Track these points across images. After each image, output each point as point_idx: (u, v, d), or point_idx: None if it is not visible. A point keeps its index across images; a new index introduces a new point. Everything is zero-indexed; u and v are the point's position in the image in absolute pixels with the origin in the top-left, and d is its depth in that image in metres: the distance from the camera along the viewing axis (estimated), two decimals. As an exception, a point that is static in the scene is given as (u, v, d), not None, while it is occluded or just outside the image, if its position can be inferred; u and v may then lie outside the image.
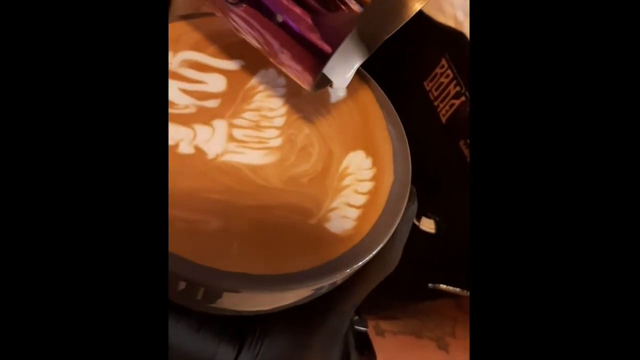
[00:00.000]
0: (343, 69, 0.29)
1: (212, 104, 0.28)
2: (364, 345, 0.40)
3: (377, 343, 0.41)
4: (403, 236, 0.30)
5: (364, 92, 0.31)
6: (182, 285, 0.23)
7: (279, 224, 0.25)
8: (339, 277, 0.25)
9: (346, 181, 0.28)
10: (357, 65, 0.29)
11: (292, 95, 0.29)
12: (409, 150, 0.29)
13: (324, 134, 0.29)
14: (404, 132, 0.30)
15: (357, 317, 0.41)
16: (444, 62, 0.38)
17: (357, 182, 0.28)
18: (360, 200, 0.27)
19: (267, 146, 0.27)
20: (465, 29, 0.36)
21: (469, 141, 0.38)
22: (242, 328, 0.30)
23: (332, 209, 0.26)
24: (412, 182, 0.43)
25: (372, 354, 0.40)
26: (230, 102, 0.28)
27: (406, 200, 0.28)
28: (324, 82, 0.29)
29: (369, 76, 0.32)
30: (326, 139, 0.29)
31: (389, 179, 0.28)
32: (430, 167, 0.42)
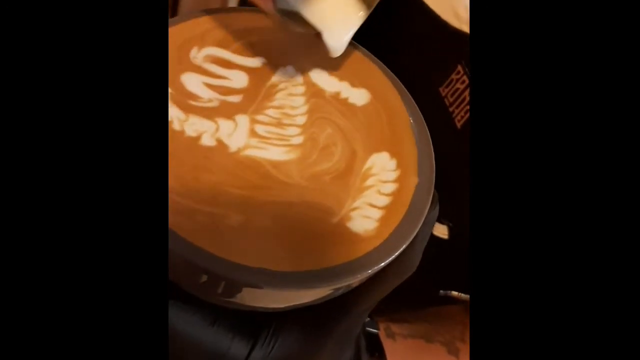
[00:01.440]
0: (340, 30, 0.29)
1: (234, 99, 0.28)
2: (375, 347, 0.40)
3: (388, 346, 0.40)
4: (423, 240, 0.30)
5: (391, 93, 0.31)
6: (204, 277, 0.23)
7: (301, 221, 0.25)
8: (359, 278, 0.25)
9: (369, 181, 0.27)
10: (355, 27, 0.29)
11: (313, 96, 0.29)
12: (433, 154, 0.29)
13: (347, 134, 0.29)
14: (429, 135, 0.30)
15: (368, 319, 0.41)
16: (460, 68, 0.38)
17: (381, 183, 0.27)
18: (383, 201, 0.27)
19: (289, 143, 0.27)
20: None
21: None
22: (257, 324, 0.30)
23: (354, 209, 0.26)
24: None
25: (382, 356, 0.39)
26: (253, 98, 0.28)
27: (429, 203, 0.27)
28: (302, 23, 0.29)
29: (396, 78, 0.32)
30: (349, 139, 0.28)
31: (413, 182, 0.28)
32: (445, 173, 0.42)
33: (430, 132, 0.41)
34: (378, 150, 0.28)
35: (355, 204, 0.26)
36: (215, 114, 0.27)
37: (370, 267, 0.25)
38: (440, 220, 0.44)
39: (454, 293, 0.48)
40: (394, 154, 0.28)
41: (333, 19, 0.28)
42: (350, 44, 0.32)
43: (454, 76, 0.38)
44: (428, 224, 0.30)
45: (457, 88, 0.39)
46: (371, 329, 0.39)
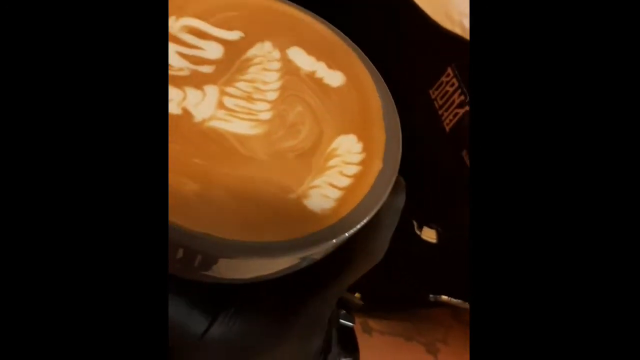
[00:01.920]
0: None
1: (206, 69, 0.28)
2: (348, 340, 0.39)
3: (363, 340, 0.40)
4: (389, 227, 0.30)
5: (366, 79, 0.31)
6: None
7: (258, 195, 0.25)
8: (309, 253, 0.25)
9: (332, 162, 0.27)
10: None
11: (287, 73, 0.29)
12: (401, 142, 0.29)
13: (317, 114, 0.28)
14: (399, 125, 0.29)
15: (344, 312, 0.40)
16: (449, 70, 0.38)
17: (344, 165, 0.27)
18: (344, 182, 0.27)
19: (256, 118, 0.27)
20: None
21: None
22: (218, 301, 0.30)
23: (314, 187, 0.26)
24: (413, 190, 0.42)
25: (355, 350, 0.39)
26: (225, 70, 0.28)
27: (390, 188, 0.27)
28: None
29: (374, 67, 0.31)
30: (319, 119, 0.28)
31: (377, 166, 0.28)
32: (433, 176, 0.41)
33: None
34: (346, 132, 0.28)
35: (315, 183, 0.26)
36: (185, 82, 0.27)
37: (320, 243, 0.25)
38: (428, 224, 0.43)
39: (444, 297, 0.47)
40: (361, 138, 0.28)
41: None
42: (332, 29, 0.32)
43: (443, 78, 0.38)
44: (395, 212, 0.29)
45: (447, 91, 0.38)
46: (346, 322, 0.39)
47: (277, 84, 0.29)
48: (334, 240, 0.25)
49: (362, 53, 0.32)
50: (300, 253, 0.25)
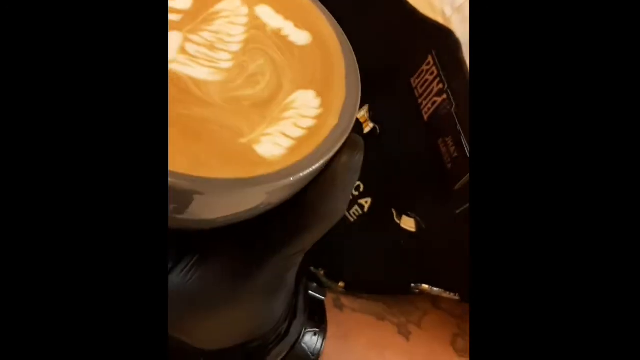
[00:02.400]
0: None
1: (173, 17, 0.29)
2: (316, 311, 0.39)
3: (332, 315, 0.40)
4: (346, 186, 0.30)
5: (333, 42, 0.31)
6: None
7: (209, 136, 0.26)
8: (251, 193, 0.26)
9: (288, 113, 0.28)
10: None
11: (254, 28, 0.30)
12: (359, 104, 0.30)
13: (279, 69, 0.29)
14: (359, 86, 0.30)
15: (315, 284, 0.41)
16: (430, 58, 0.38)
17: (299, 117, 0.28)
18: (297, 133, 0.27)
19: (216, 66, 0.28)
20: (453, 25, 0.36)
21: (447, 139, 0.38)
22: (180, 248, 0.31)
23: (266, 134, 0.27)
24: (392, 178, 0.42)
25: (322, 322, 0.39)
26: (191, 19, 0.29)
27: (342, 141, 0.27)
28: None
29: (341, 31, 0.32)
30: (279, 73, 0.29)
31: (332, 121, 0.28)
32: (410, 165, 0.41)
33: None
34: (305, 87, 0.29)
35: (268, 131, 0.27)
36: (149, 27, 0.28)
37: (262, 185, 0.25)
38: (407, 212, 0.43)
39: (425, 286, 0.47)
40: (320, 94, 0.29)
41: None
42: None
43: (424, 67, 0.38)
44: (351, 171, 0.30)
45: (427, 79, 0.39)
46: (315, 294, 0.39)
47: (242, 37, 0.30)
48: (280, 182, 0.26)
49: (332, 17, 0.32)
50: (247, 191, 0.25)
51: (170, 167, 0.24)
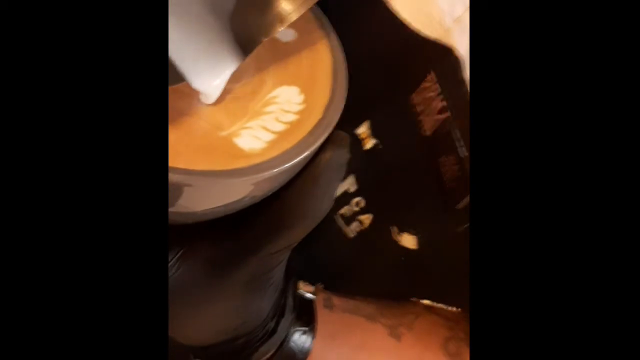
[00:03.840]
0: (210, 74, 0.28)
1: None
2: (305, 310, 0.39)
3: (322, 315, 0.40)
4: (330, 183, 0.30)
5: (320, 40, 0.32)
6: None
7: (187, 129, 0.26)
8: (234, 188, 0.26)
9: (270, 108, 0.28)
10: (228, 72, 0.28)
11: None
12: (344, 101, 0.29)
13: (261, 64, 0.29)
14: (346, 83, 0.30)
15: (305, 283, 0.40)
16: (430, 76, 0.38)
17: (281, 112, 0.28)
18: (278, 127, 0.27)
19: (199, 58, 0.28)
20: (452, 37, 0.36)
21: (449, 158, 0.38)
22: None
23: (246, 128, 0.27)
24: (393, 196, 0.42)
25: (310, 321, 0.39)
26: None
27: (325, 135, 0.27)
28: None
29: (332, 29, 0.32)
30: (262, 69, 0.29)
31: (315, 117, 0.28)
32: (411, 182, 0.41)
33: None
34: (288, 84, 0.29)
35: (249, 124, 0.27)
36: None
37: (244, 176, 0.25)
38: (408, 230, 0.43)
39: (426, 302, 0.47)
40: (304, 91, 0.29)
41: (201, 64, 0.27)
42: None
43: (424, 84, 0.38)
44: (334, 167, 0.30)
45: (428, 96, 0.38)
46: (306, 294, 0.39)
47: (226, 33, 0.30)
48: (262, 174, 0.26)
49: (323, 15, 0.32)
50: (232, 180, 0.26)
51: None
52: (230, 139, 0.26)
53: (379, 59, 0.40)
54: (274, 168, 0.26)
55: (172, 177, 0.24)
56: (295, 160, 0.26)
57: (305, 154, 0.27)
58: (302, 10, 0.27)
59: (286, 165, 0.26)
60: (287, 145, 0.27)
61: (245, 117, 0.27)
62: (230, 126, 0.27)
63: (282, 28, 0.27)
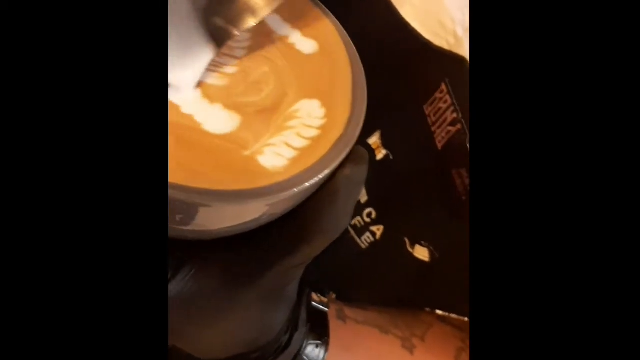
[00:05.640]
0: (182, 67, 0.27)
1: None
2: (318, 323, 0.39)
3: (335, 326, 0.39)
4: (349, 199, 0.30)
5: (341, 53, 0.31)
6: None
7: (209, 146, 0.25)
8: (251, 205, 0.25)
9: (292, 122, 0.27)
10: (202, 64, 0.27)
11: (260, 35, 0.30)
12: (364, 116, 0.29)
13: (283, 77, 0.29)
14: (366, 99, 0.29)
15: (318, 295, 0.40)
16: (443, 86, 0.37)
17: (303, 127, 0.27)
18: (301, 143, 0.27)
19: (219, 70, 0.28)
20: (464, 47, 0.36)
21: (461, 171, 0.37)
22: (180, 256, 0.30)
23: (269, 145, 0.26)
24: (405, 207, 0.42)
25: (324, 334, 0.39)
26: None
27: (343, 156, 0.27)
28: None
29: (351, 43, 0.32)
30: (284, 82, 0.29)
31: (337, 132, 0.27)
32: (423, 194, 0.41)
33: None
34: (310, 97, 0.28)
35: (272, 141, 0.26)
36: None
37: (264, 197, 0.25)
38: (420, 242, 0.43)
39: (439, 312, 0.47)
40: (325, 104, 0.28)
41: (173, 56, 0.26)
42: (315, 2, 0.32)
43: (437, 94, 0.38)
44: (353, 184, 0.29)
45: (440, 107, 0.38)
46: (319, 306, 0.39)
47: (247, 44, 0.29)
48: (283, 193, 0.25)
49: (343, 30, 0.32)
50: (254, 201, 0.25)
51: (176, 180, 0.24)
52: (253, 157, 0.26)
53: (391, 68, 0.39)
54: (295, 187, 0.25)
55: (191, 198, 0.24)
56: (315, 180, 0.26)
57: (326, 172, 0.26)
58: (274, 5, 0.27)
59: (308, 184, 0.26)
60: (308, 162, 0.26)
61: (268, 133, 0.27)
62: (254, 144, 0.26)
63: (255, 22, 0.27)
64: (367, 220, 0.45)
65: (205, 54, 0.27)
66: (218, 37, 0.28)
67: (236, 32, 0.27)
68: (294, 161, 0.26)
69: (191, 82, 0.27)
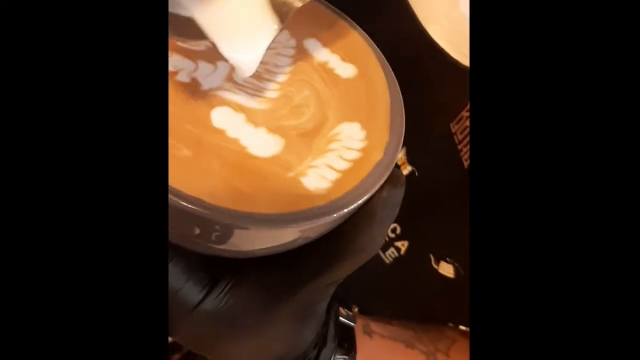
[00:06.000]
0: (247, 46, 0.27)
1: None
2: (346, 338, 0.39)
3: (362, 341, 0.40)
4: (384, 221, 0.30)
5: (379, 76, 0.32)
6: None
7: (253, 168, 0.26)
8: (294, 228, 0.26)
9: (333, 145, 0.28)
10: (267, 41, 0.27)
11: (300, 60, 0.30)
12: (402, 140, 0.30)
13: (324, 100, 0.29)
14: (404, 122, 0.30)
15: (346, 310, 0.41)
16: (469, 105, 0.38)
17: (344, 149, 0.28)
18: (342, 165, 0.27)
19: (263, 95, 0.28)
20: None
21: None
22: (216, 273, 0.31)
23: (312, 167, 0.27)
24: (431, 225, 0.42)
25: (351, 349, 0.39)
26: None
27: (383, 179, 0.28)
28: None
29: (388, 67, 0.32)
30: (324, 105, 0.29)
31: (377, 156, 0.28)
32: (448, 211, 0.41)
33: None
34: (350, 120, 0.29)
35: (315, 163, 0.27)
36: (198, 56, 0.28)
37: (308, 220, 0.25)
38: (445, 259, 0.43)
39: (462, 328, 0.47)
40: (365, 127, 0.29)
41: (237, 30, 0.26)
42: (353, 26, 0.33)
43: (464, 113, 0.38)
44: (390, 206, 0.30)
45: (467, 125, 0.38)
46: (346, 321, 0.39)
47: (289, 69, 0.30)
48: (324, 218, 0.26)
49: (380, 53, 0.33)
50: (293, 226, 0.26)
51: (215, 201, 0.24)
52: (297, 179, 0.26)
53: (418, 86, 0.40)
54: (334, 213, 0.26)
55: (230, 220, 0.24)
56: (357, 204, 0.27)
57: (367, 196, 0.27)
58: None
59: (348, 209, 0.26)
60: (349, 185, 0.27)
61: (311, 156, 0.27)
62: (298, 166, 0.27)
63: None
64: (392, 235, 0.46)
65: (270, 32, 0.27)
66: (281, 11, 0.27)
67: (299, 3, 0.27)
68: (336, 183, 0.27)
69: (254, 62, 0.27)
